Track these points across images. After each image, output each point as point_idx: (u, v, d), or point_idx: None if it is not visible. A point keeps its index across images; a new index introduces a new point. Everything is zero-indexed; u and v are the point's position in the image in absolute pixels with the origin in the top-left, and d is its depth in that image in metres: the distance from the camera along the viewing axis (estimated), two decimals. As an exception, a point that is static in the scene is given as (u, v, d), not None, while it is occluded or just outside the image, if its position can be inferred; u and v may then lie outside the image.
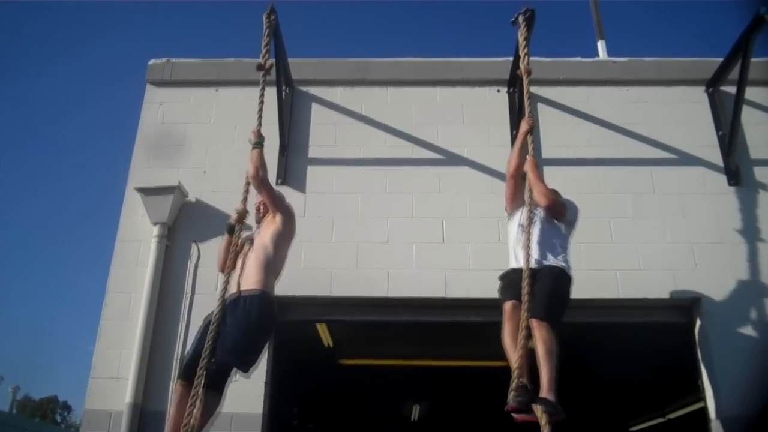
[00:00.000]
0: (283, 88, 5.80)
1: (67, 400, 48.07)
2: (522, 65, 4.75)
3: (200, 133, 5.99)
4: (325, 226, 5.52)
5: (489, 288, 5.16)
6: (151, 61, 6.30)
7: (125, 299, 5.32)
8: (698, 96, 5.99)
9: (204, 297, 5.30)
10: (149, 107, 6.14)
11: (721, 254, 5.33)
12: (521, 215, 4.43)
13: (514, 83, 5.91)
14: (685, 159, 5.74)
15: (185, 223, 5.60)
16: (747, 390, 4.74)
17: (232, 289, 4.11)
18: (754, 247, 5.34)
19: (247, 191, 4.39)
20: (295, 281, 4.88)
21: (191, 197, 5.68)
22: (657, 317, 5.45)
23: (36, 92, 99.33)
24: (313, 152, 5.90)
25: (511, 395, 3.75)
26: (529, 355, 3.90)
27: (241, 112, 5.81)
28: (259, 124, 4.51)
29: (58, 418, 46.13)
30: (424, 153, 5.86)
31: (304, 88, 6.15)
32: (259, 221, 4.54)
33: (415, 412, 13.36)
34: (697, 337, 5.23)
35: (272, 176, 5.55)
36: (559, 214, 4.35)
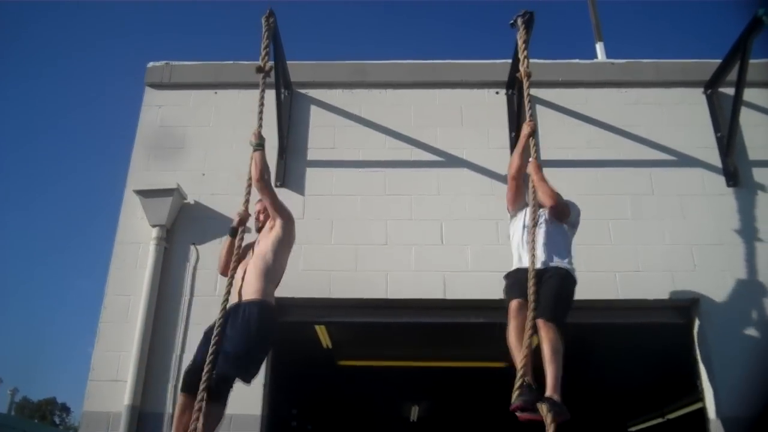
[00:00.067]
0: (282, 90, 5.80)
1: (66, 402, 48.09)
2: (522, 68, 4.75)
3: (199, 135, 5.99)
4: (324, 228, 5.53)
5: (488, 289, 5.19)
6: (150, 64, 6.30)
7: (124, 301, 5.32)
8: (697, 97, 6.00)
9: (203, 299, 5.31)
10: (148, 110, 6.14)
11: (720, 255, 5.33)
12: (525, 216, 4.44)
13: (513, 85, 5.92)
14: (683, 160, 5.75)
15: (184, 225, 5.60)
16: (746, 390, 4.74)
17: (233, 298, 4.10)
18: (752, 248, 5.35)
19: (248, 193, 4.38)
20: (294, 283, 4.88)
21: (190, 199, 5.67)
22: (656, 318, 5.45)
23: (35, 94, 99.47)
24: (312, 154, 5.90)
25: (515, 394, 3.76)
26: (532, 355, 3.90)
27: (239, 115, 5.81)
28: (260, 125, 4.52)
29: (57, 420, 46.10)
30: (423, 155, 5.87)
31: (302, 91, 6.16)
32: (258, 230, 4.54)
33: (414, 413, 13.36)
34: (696, 337, 5.24)
35: (271, 179, 5.57)
36: (564, 215, 4.37)
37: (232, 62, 6.27)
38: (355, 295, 5.34)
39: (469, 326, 5.75)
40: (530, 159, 4.47)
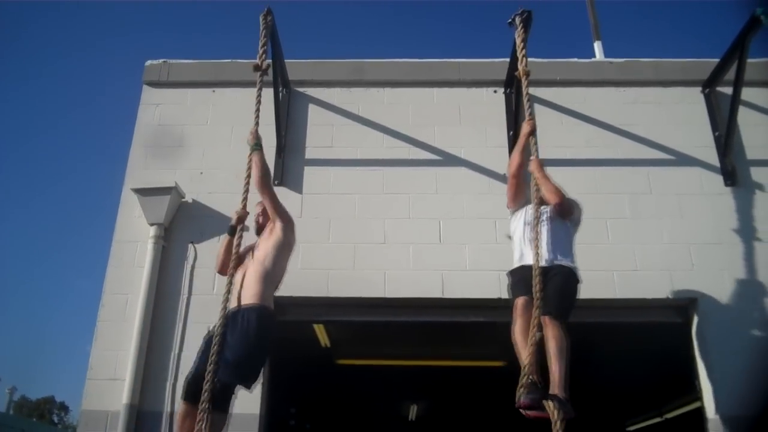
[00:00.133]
0: (280, 89, 5.79)
1: (65, 401, 48.09)
2: (520, 67, 4.75)
3: (197, 134, 5.98)
4: (322, 227, 5.52)
5: (486, 288, 5.20)
6: (148, 62, 6.29)
7: (122, 300, 5.31)
8: (695, 97, 6.00)
9: (201, 298, 5.31)
10: (146, 108, 6.13)
11: (718, 254, 5.34)
12: (526, 213, 4.45)
13: (511, 84, 5.92)
14: (682, 159, 5.75)
15: (182, 223, 5.60)
16: (744, 390, 4.75)
17: (232, 302, 4.08)
18: (750, 247, 5.36)
19: (246, 191, 4.37)
20: (292, 282, 4.87)
21: (188, 198, 5.67)
22: (654, 317, 5.46)
23: (34, 94, 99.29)
24: (310, 153, 5.89)
25: (520, 392, 3.74)
26: (537, 352, 3.88)
27: (237, 113, 5.80)
28: (256, 124, 4.51)
29: (56, 419, 46.10)
30: (421, 154, 5.86)
31: (301, 89, 6.15)
32: (258, 232, 4.53)
33: (413, 411, 13.37)
34: (694, 337, 5.24)
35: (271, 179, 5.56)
36: (568, 212, 4.38)
37: (230, 60, 6.26)
38: (353, 294, 5.33)
39: (467, 325, 5.75)
40: (532, 157, 4.47)
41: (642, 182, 5.66)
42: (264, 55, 4.77)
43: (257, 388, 4.94)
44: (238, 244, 4.28)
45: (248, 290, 4.08)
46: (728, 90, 5.67)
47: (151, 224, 5.46)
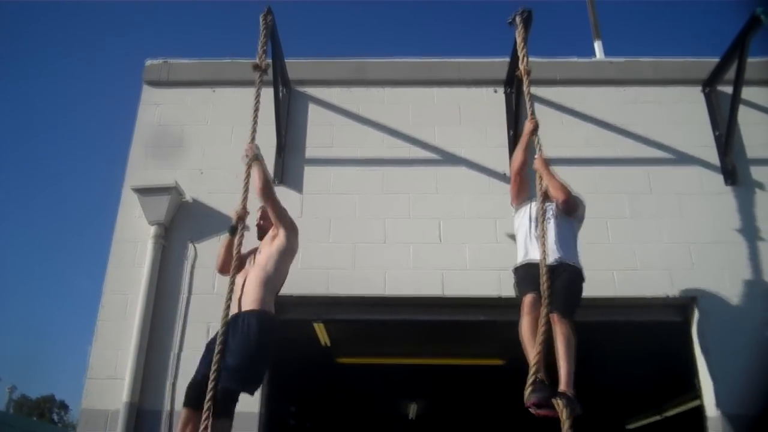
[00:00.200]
0: (280, 88, 5.79)
1: (65, 400, 48.05)
2: (521, 66, 4.75)
3: (197, 133, 5.98)
4: (322, 226, 5.52)
5: (486, 287, 5.21)
6: (148, 62, 6.29)
7: (122, 299, 5.32)
8: (695, 96, 6.01)
9: (201, 297, 5.32)
10: (146, 108, 6.13)
11: (718, 254, 5.34)
12: (530, 209, 4.46)
13: (511, 83, 5.91)
14: (682, 159, 5.75)
15: (182, 223, 5.60)
16: (743, 389, 4.76)
17: (234, 307, 4.06)
18: (751, 246, 5.36)
19: (246, 191, 4.37)
20: (292, 281, 4.86)
21: (188, 197, 5.67)
22: (654, 316, 5.46)
23: (34, 94, 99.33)
24: (310, 152, 5.89)
25: (528, 390, 3.73)
26: (545, 350, 3.86)
27: (238, 113, 5.79)
28: (255, 123, 4.51)
29: (55, 418, 46.08)
30: (421, 153, 5.87)
31: (301, 89, 6.15)
32: (260, 237, 4.53)
33: (413, 410, 13.37)
34: (694, 335, 5.24)
35: (269, 177, 5.56)
36: (574, 209, 4.38)
37: (230, 60, 6.26)
38: (353, 292, 5.34)
39: (467, 324, 5.75)
40: (536, 155, 4.47)
41: (642, 181, 5.66)
42: (264, 55, 4.78)
43: (257, 388, 4.96)
44: (239, 244, 4.27)
45: (249, 295, 4.08)
46: (728, 89, 5.67)
47: (151, 224, 5.46)
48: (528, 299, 4.08)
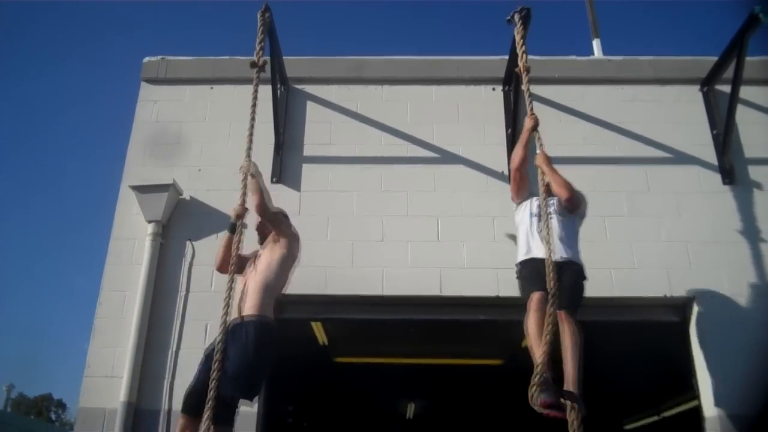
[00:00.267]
0: (278, 86, 5.78)
1: (62, 398, 48.09)
2: (521, 63, 4.74)
3: (195, 131, 5.97)
4: (320, 225, 5.51)
5: (484, 286, 5.20)
6: (146, 59, 6.28)
7: (120, 297, 5.30)
8: (693, 95, 6.00)
9: (198, 295, 5.30)
10: (144, 105, 6.12)
11: (716, 253, 5.33)
12: (531, 204, 4.46)
13: (509, 81, 5.91)
14: (679, 158, 5.75)
15: (180, 221, 5.58)
16: (741, 388, 4.76)
17: (234, 312, 4.05)
18: (748, 245, 5.35)
19: (245, 187, 4.36)
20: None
21: (186, 195, 5.66)
22: (651, 316, 5.45)
23: (32, 92, 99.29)
24: (308, 150, 5.88)
25: (536, 389, 3.66)
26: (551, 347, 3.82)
27: (236, 110, 5.78)
28: (252, 120, 4.50)
29: (53, 416, 46.09)
30: (419, 151, 5.86)
31: (299, 86, 6.14)
32: (261, 242, 4.52)
33: (411, 410, 13.38)
34: (691, 335, 5.23)
35: (267, 175, 5.55)
36: (576, 206, 4.38)
37: (228, 57, 6.25)
38: (351, 291, 5.32)
39: (465, 323, 5.75)
40: (538, 151, 4.46)
41: (640, 180, 5.66)
42: (262, 52, 4.77)
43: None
44: (239, 241, 4.26)
45: (249, 301, 4.07)
46: (726, 88, 5.66)
47: (149, 221, 5.44)
48: (536, 296, 4.01)
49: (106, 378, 5.04)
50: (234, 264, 4.13)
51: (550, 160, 4.41)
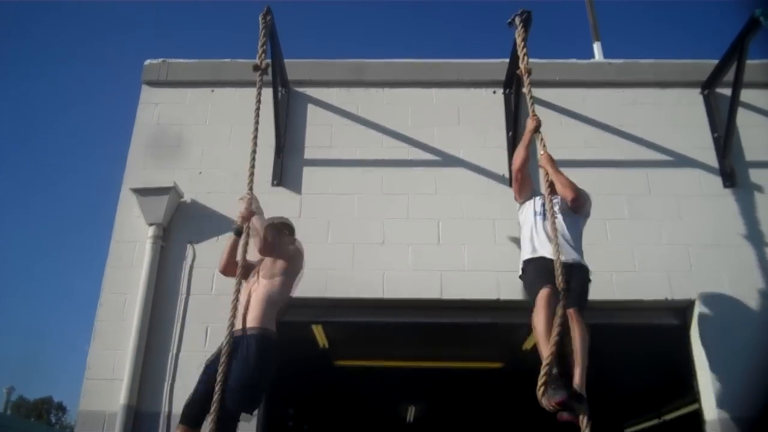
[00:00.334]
0: (279, 88, 5.79)
1: (62, 401, 48.07)
2: (522, 65, 4.73)
3: (196, 133, 5.97)
4: (321, 228, 5.51)
5: (485, 289, 5.19)
6: (147, 62, 6.28)
7: (120, 300, 5.30)
8: (694, 98, 6.01)
9: (199, 298, 5.30)
10: (145, 108, 6.12)
11: (717, 256, 5.33)
12: (534, 203, 4.47)
13: (510, 84, 5.91)
14: (680, 161, 5.75)
15: (180, 223, 5.58)
16: (742, 392, 4.76)
17: (237, 323, 4.04)
18: (749, 249, 5.35)
19: (250, 189, 4.36)
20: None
21: (187, 198, 5.66)
22: (652, 319, 5.46)
23: (33, 93, 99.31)
24: (308, 153, 5.88)
25: (548, 388, 3.61)
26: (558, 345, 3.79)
27: (237, 113, 5.80)
28: (256, 124, 4.50)
29: (53, 419, 46.06)
30: (420, 154, 5.86)
31: (300, 89, 6.15)
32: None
33: (411, 413, 13.35)
34: (692, 338, 5.23)
35: (268, 177, 5.56)
36: (581, 206, 4.38)
37: (229, 60, 6.26)
38: (351, 294, 5.32)
39: (465, 326, 5.74)
40: (541, 152, 4.46)
41: (641, 183, 5.66)
42: (263, 55, 4.77)
43: (255, 389, 4.94)
44: (246, 243, 4.26)
45: (251, 312, 4.07)
46: (727, 91, 5.67)
47: (150, 224, 5.44)
48: (545, 291, 3.96)
49: (107, 381, 5.03)
50: (240, 267, 4.13)
51: (554, 161, 4.41)
